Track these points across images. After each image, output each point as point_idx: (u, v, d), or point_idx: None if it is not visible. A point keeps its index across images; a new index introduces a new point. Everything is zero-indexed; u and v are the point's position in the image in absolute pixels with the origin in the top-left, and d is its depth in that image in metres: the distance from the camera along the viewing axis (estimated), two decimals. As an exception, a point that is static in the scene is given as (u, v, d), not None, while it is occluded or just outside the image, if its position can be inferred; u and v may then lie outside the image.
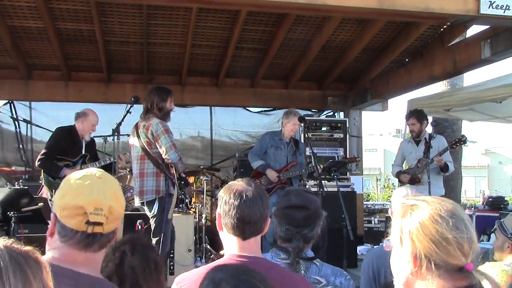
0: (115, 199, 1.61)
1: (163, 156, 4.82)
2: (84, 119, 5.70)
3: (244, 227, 2.01)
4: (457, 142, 5.81)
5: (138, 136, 4.96)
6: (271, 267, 2.03)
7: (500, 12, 4.38)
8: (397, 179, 6.65)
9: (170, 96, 5.09)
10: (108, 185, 1.63)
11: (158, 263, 2.08)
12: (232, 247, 2.06)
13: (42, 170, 5.59)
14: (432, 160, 5.73)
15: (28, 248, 1.13)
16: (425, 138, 6.02)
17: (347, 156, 7.71)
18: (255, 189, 2.07)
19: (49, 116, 8.27)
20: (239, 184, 2.08)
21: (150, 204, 4.92)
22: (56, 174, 5.52)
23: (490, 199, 8.16)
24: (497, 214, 6.55)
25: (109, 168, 5.61)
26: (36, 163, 5.64)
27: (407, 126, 6.41)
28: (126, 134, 5.90)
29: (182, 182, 6.77)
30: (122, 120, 5.05)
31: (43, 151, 5.64)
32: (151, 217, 4.93)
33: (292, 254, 2.26)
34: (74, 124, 5.75)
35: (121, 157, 5.69)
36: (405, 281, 1.38)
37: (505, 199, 8.44)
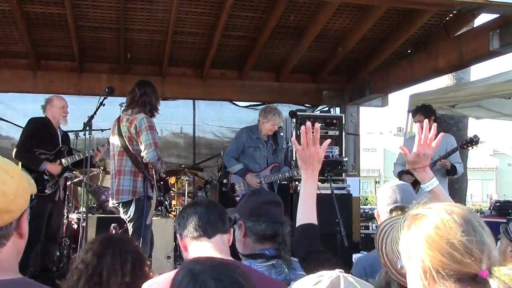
0: None
1: (142, 153, 4.82)
2: (51, 106, 5.77)
3: (206, 226, 2.22)
4: (468, 143, 5.66)
5: (119, 131, 4.96)
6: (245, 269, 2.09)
7: (510, -1, 4.39)
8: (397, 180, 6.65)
9: (157, 93, 5.22)
10: None
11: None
12: (201, 251, 2.18)
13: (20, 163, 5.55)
14: (435, 164, 5.70)
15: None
16: None
17: (343, 155, 7.70)
18: (206, 199, 2.36)
19: (15, 109, 8.20)
20: (190, 201, 2.28)
21: (126, 205, 4.89)
22: (36, 167, 5.51)
23: (498, 204, 8.22)
24: (505, 220, 6.57)
25: (81, 164, 5.61)
26: (13, 155, 5.58)
27: (412, 123, 6.40)
28: (100, 129, 5.89)
29: (161, 183, 6.73)
30: (95, 113, 5.04)
31: (18, 143, 5.64)
32: (128, 221, 4.90)
33: (282, 249, 2.33)
34: (46, 116, 5.78)
35: (99, 149, 5.68)
36: None
37: (514, 204, 8.48)
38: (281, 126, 6.46)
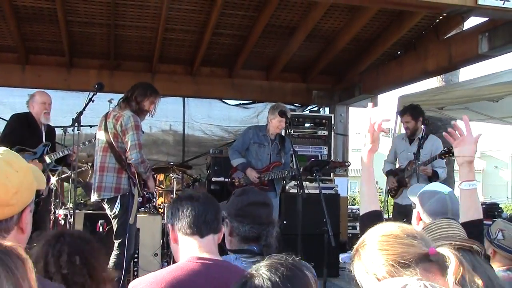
0: None
1: (126, 153, 4.83)
2: (32, 102, 5.73)
3: (201, 225, 2.19)
4: (446, 153, 5.50)
5: (106, 127, 4.95)
6: (232, 270, 2.11)
7: (499, 3, 4.41)
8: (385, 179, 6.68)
9: (153, 97, 5.12)
10: None
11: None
12: (190, 249, 2.19)
13: None
14: (416, 169, 5.70)
15: (9, 243, 1.11)
16: (419, 137, 5.96)
17: (332, 158, 7.72)
18: (203, 193, 2.35)
19: (3, 103, 8.13)
20: (186, 192, 2.24)
21: (111, 202, 4.89)
22: None
23: (484, 206, 8.24)
24: (490, 223, 6.60)
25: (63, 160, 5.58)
26: None
27: (400, 124, 6.42)
28: (88, 125, 5.86)
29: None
30: (84, 109, 5.03)
31: None
32: (113, 218, 4.90)
33: (265, 251, 2.35)
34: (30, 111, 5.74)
35: (74, 150, 5.60)
36: None
37: (500, 206, 8.55)
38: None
